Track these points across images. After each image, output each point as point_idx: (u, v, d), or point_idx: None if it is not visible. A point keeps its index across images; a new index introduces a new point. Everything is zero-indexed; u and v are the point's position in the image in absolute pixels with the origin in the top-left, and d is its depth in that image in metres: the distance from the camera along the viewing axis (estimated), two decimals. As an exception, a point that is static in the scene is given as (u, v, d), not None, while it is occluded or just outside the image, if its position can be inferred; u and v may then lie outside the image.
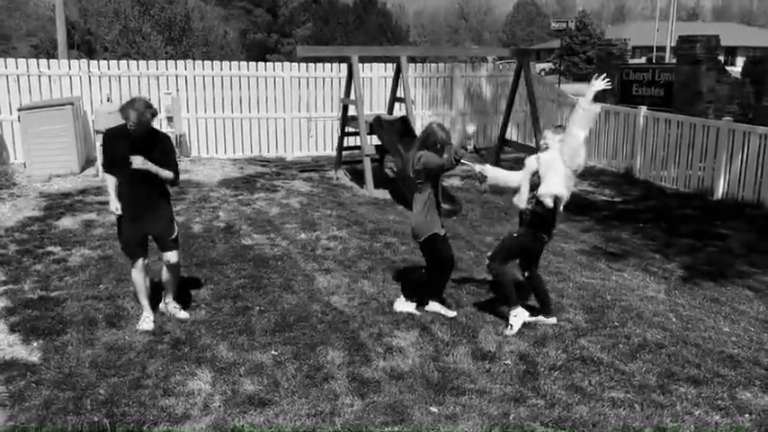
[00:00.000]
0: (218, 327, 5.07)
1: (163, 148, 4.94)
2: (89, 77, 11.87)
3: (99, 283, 5.95)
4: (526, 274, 5.33)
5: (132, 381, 4.24)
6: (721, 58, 14.30)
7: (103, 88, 11.92)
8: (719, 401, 4.15)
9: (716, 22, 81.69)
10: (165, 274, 5.25)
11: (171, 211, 5.19)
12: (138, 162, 4.72)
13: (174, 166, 4.96)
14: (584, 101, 4.82)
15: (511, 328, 5.07)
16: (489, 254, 5.24)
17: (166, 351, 4.66)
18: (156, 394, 4.10)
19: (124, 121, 4.75)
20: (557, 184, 4.88)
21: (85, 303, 5.48)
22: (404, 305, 5.44)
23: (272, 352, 4.68)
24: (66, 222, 7.98)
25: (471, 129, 5.30)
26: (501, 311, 5.37)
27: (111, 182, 5.00)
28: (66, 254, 6.80)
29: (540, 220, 4.99)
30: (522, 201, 5.10)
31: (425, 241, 5.22)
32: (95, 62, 12.27)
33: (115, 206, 5.00)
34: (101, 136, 10.59)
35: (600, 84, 4.85)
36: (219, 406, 4.00)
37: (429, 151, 5.08)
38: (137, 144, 4.78)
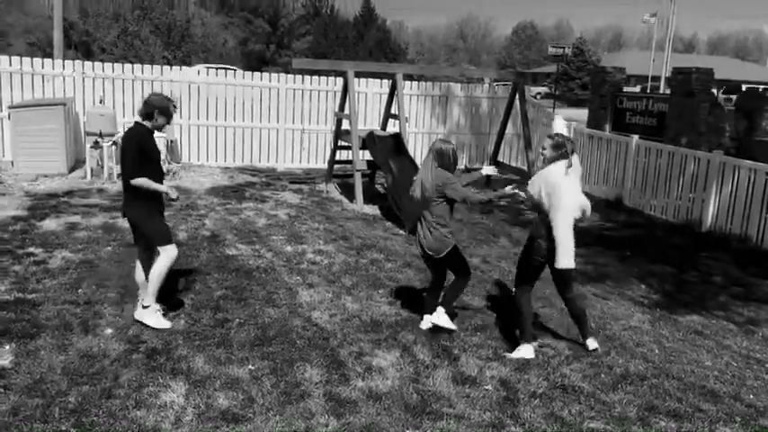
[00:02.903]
0: (195, 338, 4.98)
1: None
2: (83, 78, 11.80)
3: (78, 288, 5.84)
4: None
5: (104, 390, 4.14)
6: (714, 90, 14.44)
7: (97, 90, 11.86)
8: (699, 437, 4.10)
9: (711, 55, 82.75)
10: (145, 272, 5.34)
11: None
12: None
13: None
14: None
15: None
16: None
17: (141, 361, 4.57)
18: (127, 405, 4.00)
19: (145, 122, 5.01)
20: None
21: (62, 307, 5.37)
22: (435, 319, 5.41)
23: (249, 366, 4.59)
24: (50, 224, 7.88)
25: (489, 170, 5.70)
26: (493, 335, 5.32)
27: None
28: (47, 256, 6.69)
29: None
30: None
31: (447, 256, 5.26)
32: (90, 63, 12.22)
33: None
34: (91, 138, 10.56)
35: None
36: (192, 420, 3.91)
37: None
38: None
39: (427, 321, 5.40)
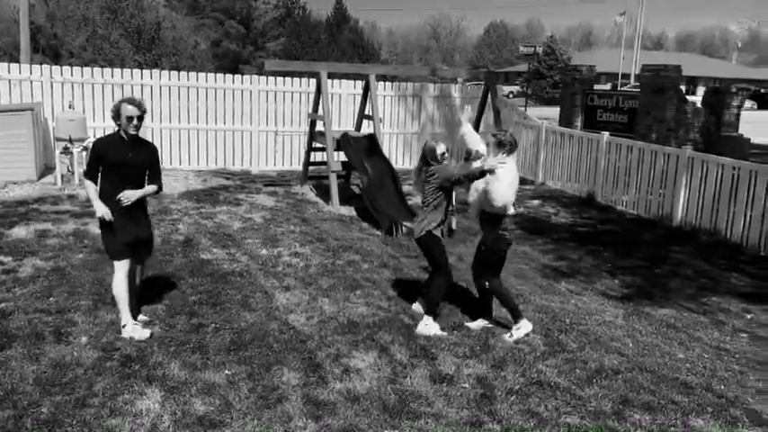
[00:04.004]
0: (170, 344, 4.93)
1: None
2: (51, 83, 11.61)
3: (49, 296, 5.75)
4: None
5: (77, 399, 4.08)
6: (683, 87, 14.69)
7: (66, 95, 11.67)
8: (673, 428, 4.17)
9: (679, 52, 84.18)
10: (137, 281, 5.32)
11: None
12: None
13: None
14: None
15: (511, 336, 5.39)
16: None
17: (115, 368, 4.51)
18: (101, 414, 3.95)
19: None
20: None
21: (33, 316, 5.28)
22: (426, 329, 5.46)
23: (226, 371, 4.56)
24: (20, 231, 7.73)
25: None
26: (462, 332, 5.36)
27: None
28: (17, 264, 6.57)
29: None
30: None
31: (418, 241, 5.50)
32: (58, 68, 12.02)
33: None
34: (61, 144, 10.39)
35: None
36: (168, 426, 3.87)
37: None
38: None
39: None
